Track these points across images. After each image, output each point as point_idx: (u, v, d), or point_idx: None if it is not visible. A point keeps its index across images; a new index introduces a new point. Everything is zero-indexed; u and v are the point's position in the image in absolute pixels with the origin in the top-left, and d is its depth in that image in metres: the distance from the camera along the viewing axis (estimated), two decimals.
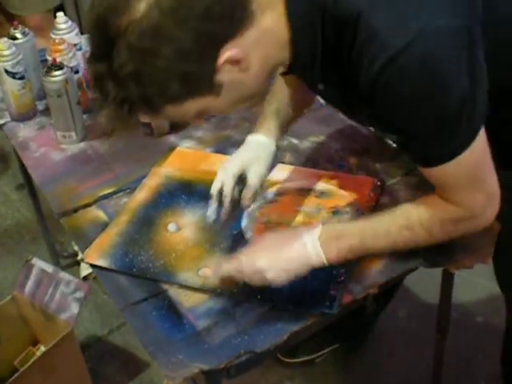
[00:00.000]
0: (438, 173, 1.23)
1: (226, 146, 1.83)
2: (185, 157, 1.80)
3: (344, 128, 1.84)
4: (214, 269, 1.42)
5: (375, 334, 2.35)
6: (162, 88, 1.12)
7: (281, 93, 1.56)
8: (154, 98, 1.13)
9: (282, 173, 1.69)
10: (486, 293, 2.41)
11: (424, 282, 2.34)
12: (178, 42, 1.08)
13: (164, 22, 1.06)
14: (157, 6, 1.06)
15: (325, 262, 1.31)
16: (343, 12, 1.13)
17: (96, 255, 1.52)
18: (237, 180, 1.46)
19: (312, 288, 1.37)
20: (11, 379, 1.98)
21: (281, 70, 1.31)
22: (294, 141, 1.82)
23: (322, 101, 1.95)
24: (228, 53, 1.13)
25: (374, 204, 1.57)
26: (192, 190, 1.67)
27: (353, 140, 1.79)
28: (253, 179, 1.47)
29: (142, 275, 1.46)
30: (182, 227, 1.57)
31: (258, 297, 1.37)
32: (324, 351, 2.29)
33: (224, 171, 1.48)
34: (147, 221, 1.59)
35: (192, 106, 1.18)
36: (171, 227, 1.57)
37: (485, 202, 1.28)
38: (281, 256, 1.31)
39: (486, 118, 1.20)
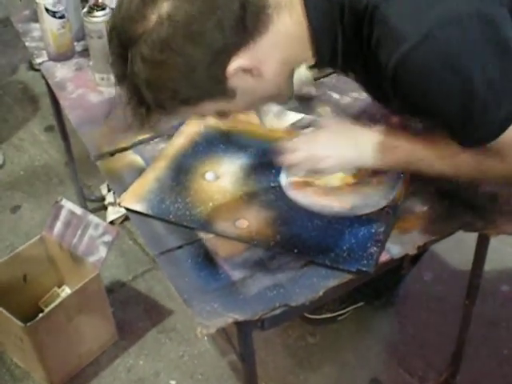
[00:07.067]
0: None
1: None
2: None
3: None
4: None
5: (400, 297, 2.34)
6: (173, 94, 1.15)
7: None
8: (167, 101, 1.17)
9: None
10: None
11: (450, 247, 2.34)
12: (187, 56, 1.10)
13: (174, 36, 1.09)
14: (168, 19, 1.08)
15: (375, 165, 1.36)
16: (360, 5, 1.12)
17: (132, 199, 1.51)
18: None
19: (350, 245, 1.36)
20: (36, 319, 2.00)
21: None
22: (335, 96, 1.79)
23: None
24: (238, 62, 1.14)
25: None
26: (230, 140, 1.65)
27: None
28: None
29: (179, 222, 1.45)
30: (220, 176, 1.55)
31: (295, 251, 1.36)
32: (347, 309, 2.29)
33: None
34: (185, 168, 1.58)
35: (208, 107, 1.20)
36: (209, 176, 1.55)
37: None
38: (337, 150, 1.36)
39: None
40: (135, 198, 1.51)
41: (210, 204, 1.48)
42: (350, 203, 1.44)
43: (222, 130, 1.69)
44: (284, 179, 1.52)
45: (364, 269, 1.32)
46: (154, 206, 1.48)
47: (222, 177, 1.55)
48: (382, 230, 1.39)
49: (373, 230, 1.39)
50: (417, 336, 2.25)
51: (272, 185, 1.52)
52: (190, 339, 2.28)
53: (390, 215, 1.42)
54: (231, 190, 1.52)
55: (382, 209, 1.43)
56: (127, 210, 1.51)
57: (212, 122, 1.71)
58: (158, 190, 1.52)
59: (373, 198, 1.45)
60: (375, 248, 1.35)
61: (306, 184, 1.50)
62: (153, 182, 1.54)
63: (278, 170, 1.54)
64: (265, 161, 1.58)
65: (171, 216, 1.46)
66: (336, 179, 1.51)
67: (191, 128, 1.69)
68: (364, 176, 1.51)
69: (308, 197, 1.47)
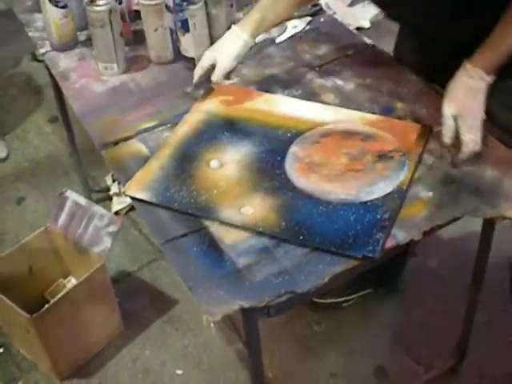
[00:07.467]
0: None
1: (269, 84, 1.80)
2: (228, 93, 1.77)
3: (392, 72, 1.80)
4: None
5: (406, 284, 2.34)
6: None
7: None
8: None
9: (326, 114, 1.67)
10: None
11: (457, 233, 2.33)
12: None
13: None
14: None
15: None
16: None
17: (137, 188, 1.50)
18: (206, 70, 1.72)
19: (355, 231, 1.36)
20: (42, 310, 1.99)
21: None
22: (339, 82, 1.79)
23: (369, 41, 1.92)
24: None
25: (420, 150, 1.54)
26: (235, 128, 1.65)
27: (400, 84, 1.75)
28: (217, 71, 1.71)
29: (184, 210, 1.44)
30: (225, 164, 1.55)
31: (300, 237, 1.36)
32: (353, 296, 2.29)
33: (200, 62, 1.74)
34: (189, 156, 1.57)
35: None
36: (213, 164, 1.55)
37: None
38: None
39: None
40: (140, 186, 1.51)
41: (215, 191, 1.48)
42: (355, 189, 1.44)
43: (226, 117, 1.69)
44: (289, 166, 1.52)
45: (370, 255, 1.31)
46: (159, 195, 1.48)
47: (227, 164, 1.55)
48: (387, 216, 1.38)
49: (378, 216, 1.38)
50: (422, 323, 2.24)
51: (277, 172, 1.51)
52: (196, 329, 2.28)
53: (395, 201, 1.41)
54: (236, 177, 1.51)
55: (387, 195, 1.43)
56: (132, 198, 1.51)
57: (216, 109, 1.71)
58: (163, 178, 1.52)
59: (378, 184, 1.45)
60: (381, 234, 1.35)
61: (311, 170, 1.50)
62: (157, 170, 1.54)
63: (283, 158, 1.54)
64: (269, 148, 1.58)
65: (176, 204, 1.46)
66: (340, 165, 1.51)
67: (195, 116, 1.69)
68: (369, 162, 1.51)
69: (313, 183, 1.47)
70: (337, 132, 1.61)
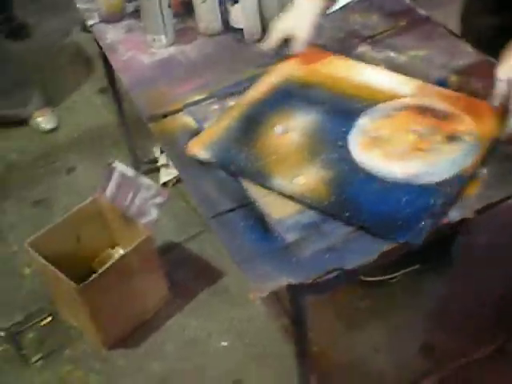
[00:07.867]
0: None
1: None
2: (305, 56, 1.73)
3: (446, 43, 1.76)
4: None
5: (455, 260, 2.29)
6: None
7: None
8: None
9: (403, 86, 1.62)
10: None
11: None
12: None
13: None
14: None
15: None
16: None
17: (199, 147, 1.51)
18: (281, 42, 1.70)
19: (403, 215, 1.30)
20: (89, 280, 2.01)
21: None
22: (391, 54, 1.75)
23: (423, 12, 1.87)
24: None
25: (495, 136, 1.45)
26: (306, 93, 1.62)
27: (455, 56, 1.71)
28: (299, 43, 1.69)
29: (237, 173, 1.44)
30: (289, 131, 1.53)
31: (347, 214, 1.33)
32: (400, 272, 2.26)
33: (274, 33, 1.70)
34: (255, 120, 1.57)
35: None
36: (277, 129, 1.53)
37: None
38: None
39: None
40: (202, 145, 1.51)
41: (274, 157, 1.46)
42: (414, 169, 1.39)
43: (300, 82, 1.67)
44: (352, 139, 1.48)
45: (412, 241, 1.26)
46: (218, 154, 1.48)
47: (291, 131, 1.53)
48: (441, 201, 1.32)
49: (431, 201, 1.32)
50: (470, 300, 2.20)
51: (339, 144, 1.48)
52: (242, 301, 2.27)
53: (454, 187, 1.35)
54: (296, 144, 1.49)
55: (447, 179, 1.37)
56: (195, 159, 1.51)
57: (291, 73, 1.69)
58: (226, 138, 1.52)
59: (440, 167, 1.39)
60: (429, 220, 1.29)
61: (375, 145, 1.46)
62: (222, 130, 1.54)
63: (348, 129, 1.50)
64: (336, 118, 1.54)
65: (232, 166, 1.45)
66: (406, 143, 1.46)
67: (272, 78, 1.68)
68: (437, 142, 1.45)
69: (373, 160, 1.43)
70: (412, 107, 1.55)
